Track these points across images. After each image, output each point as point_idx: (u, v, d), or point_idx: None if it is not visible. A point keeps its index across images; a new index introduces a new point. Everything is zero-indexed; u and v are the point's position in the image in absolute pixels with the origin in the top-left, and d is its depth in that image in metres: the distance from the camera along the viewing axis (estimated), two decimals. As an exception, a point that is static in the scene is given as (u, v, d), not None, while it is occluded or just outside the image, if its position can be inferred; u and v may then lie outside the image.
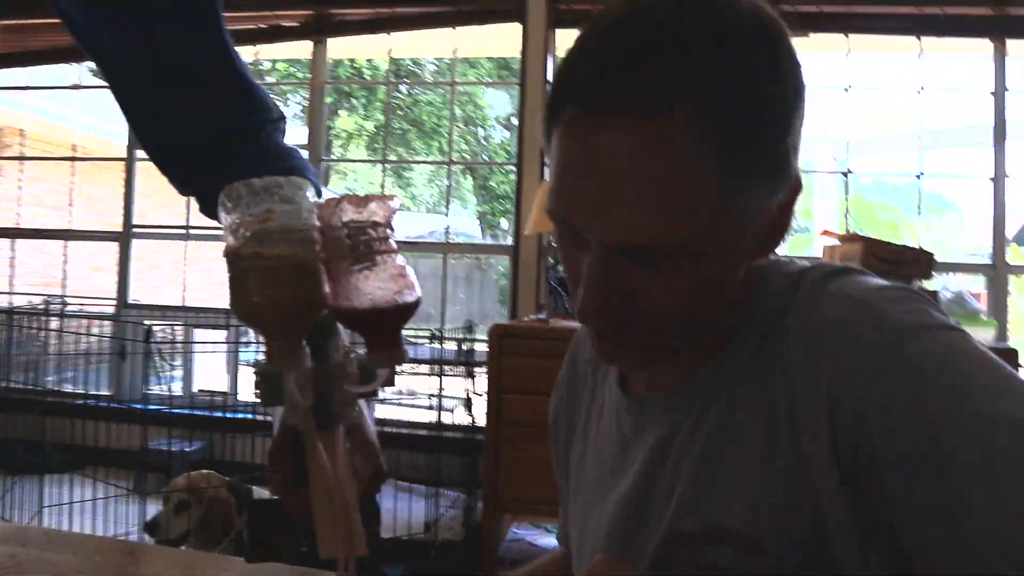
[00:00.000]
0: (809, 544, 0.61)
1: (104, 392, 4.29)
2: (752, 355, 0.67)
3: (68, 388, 4.32)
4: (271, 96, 0.87)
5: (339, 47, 4.45)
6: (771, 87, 0.60)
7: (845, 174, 3.69)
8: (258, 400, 0.68)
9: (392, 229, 0.67)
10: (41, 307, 4.28)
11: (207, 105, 0.84)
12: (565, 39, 3.89)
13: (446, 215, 4.32)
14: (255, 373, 0.67)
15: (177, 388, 4.13)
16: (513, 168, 3.90)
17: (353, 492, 0.67)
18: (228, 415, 3.62)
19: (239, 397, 4.06)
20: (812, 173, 5.28)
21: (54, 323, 4.03)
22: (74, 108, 4.71)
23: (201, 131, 0.84)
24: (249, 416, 3.66)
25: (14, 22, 4.55)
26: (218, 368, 4.30)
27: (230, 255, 0.63)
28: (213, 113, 0.84)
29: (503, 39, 4.02)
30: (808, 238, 6.54)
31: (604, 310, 0.63)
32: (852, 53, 3.59)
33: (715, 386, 0.69)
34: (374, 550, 0.76)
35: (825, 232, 2.82)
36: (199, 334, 4.27)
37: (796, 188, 0.65)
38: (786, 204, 0.65)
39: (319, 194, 0.79)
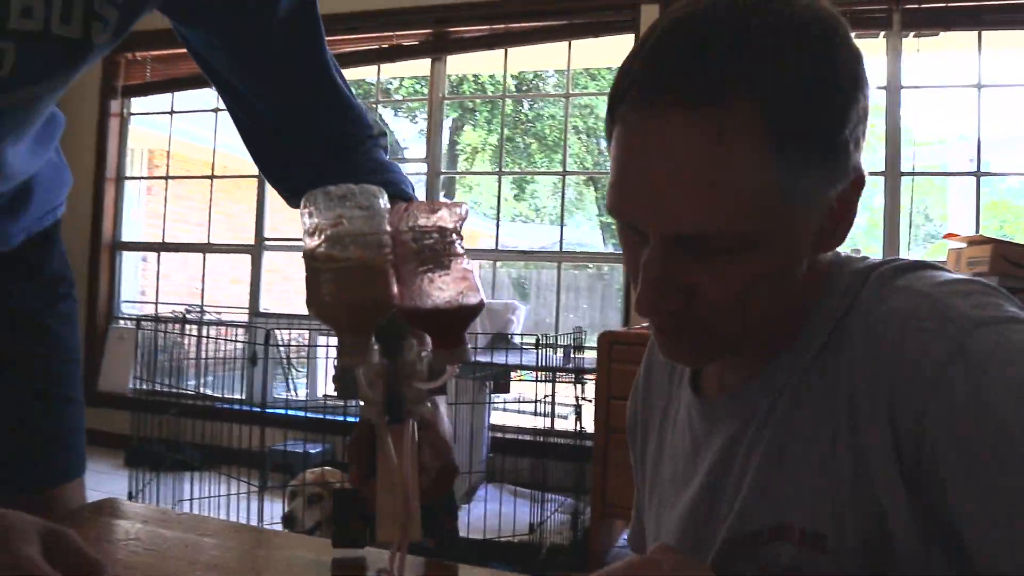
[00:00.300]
0: (871, 542, 0.61)
1: (237, 396, 4.56)
2: (817, 352, 0.67)
3: (207, 391, 4.61)
4: (372, 114, 0.94)
5: (458, 64, 4.58)
6: (827, 80, 0.60)
7: (977, 175, 3.50)
8: (335, 394, 0.72)
9: (459, 235, 0.70)
10: (182, 315, 4.60)
11: (312, 122, 0.91)
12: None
13: (561, 225, 4.36)
14: (334, 368, 0.72)
15: (303, 392, 4.33)
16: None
17: (415, 484, 0.71)
18: (348, 419, 3.78)
19: (358, 403, 4.22)
20: (947, 176, 5.02)
21: (194, 330, 4.31)
22: (213, 130, 5.05)
23: (306, 147, 0.92)
24: (368, 420, 3.79)
25: (161, 52, 4.94)
26: (341, 374, 4.49)
27: (306, 256, 0.68)
28: (317, 130, 0.91)
29: (618, 50, 4.04)
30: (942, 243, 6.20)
31: (662, 304, 0.64)
32: (984, 50, 3.40)
33: (780, 384, 0.69)
34: (453, 542, 0.80)
35: (948, 235, 2.68)
36: (323, 341, 4.47)
37: (858, 183, 0.64)
38: (847, 198, 0.65)
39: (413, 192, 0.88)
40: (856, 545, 0.62)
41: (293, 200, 0.93)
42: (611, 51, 4.12)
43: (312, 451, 3.77)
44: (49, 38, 0.75)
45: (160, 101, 5.19)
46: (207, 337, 4.27)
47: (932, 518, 0.58)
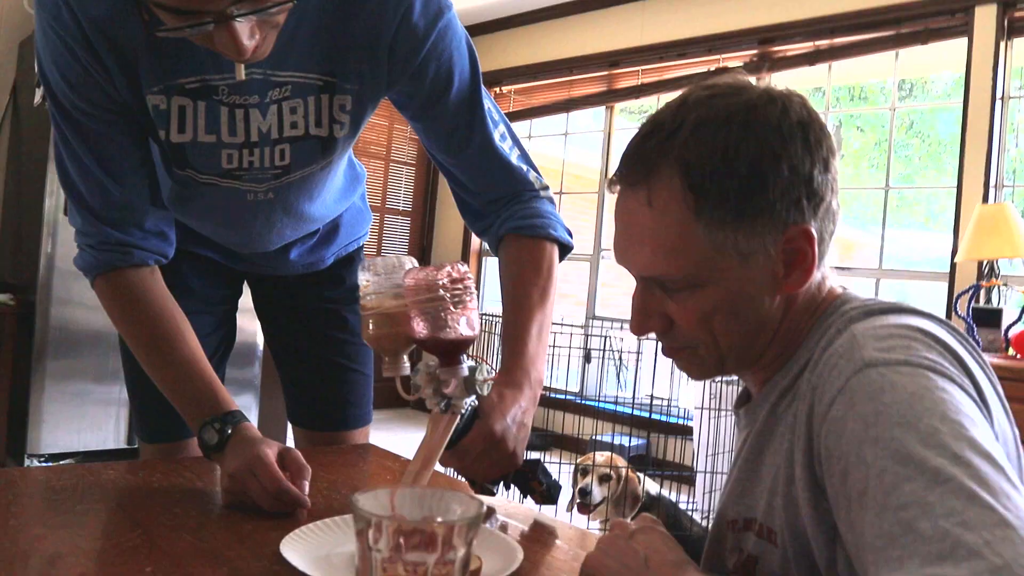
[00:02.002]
0: (799, 539, 0.73)
1: (574, 388, 5.12)
2: (797, 374, 0.79)
3: (549, 383, 5.26)
4: (537, 173, 1.25)
5: (783, 80, 4.67)
6: (738, 157, 0.74)
7: None
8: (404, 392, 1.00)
9: (459, 286, 0.93)
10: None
11: (479, 180, 1.23)
12: (1021, 48, 3.62)
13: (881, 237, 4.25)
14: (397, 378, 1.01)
15: (630, 391, 4.75)
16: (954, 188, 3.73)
17: (434, 456, 0.97)
18: (665, 418, 4.11)
19: (677, 402, 4.55)
20: None
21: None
22: (563, 151, 5.67)
23: (475, 197, 1.25)
24: (682, 421, 4.11)
25: (521, 86, 5.68)
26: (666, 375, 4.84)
27: (359, 307, 1.01)
28: (483, 186, 1.23)
29: (948, 56, 3.86)
30: None
31: (646, 326, 0.83)
32: None
33: (769, 401, 0.82)
34: (552, 498, 1.08)
35: None
36: (648, 345, 4.85)
37: (794, 236, 0.76)
38: (793, 248, 0.77)
39: (568, 238, 1.22)
40: (794, 542, 0.74)
41: (475, 231, 1.29)
42: (939, 58, 3.94)
43: (628, 444, 4.15)
44: (308, 138, 1.14)
45: (521, 127, 5.95)
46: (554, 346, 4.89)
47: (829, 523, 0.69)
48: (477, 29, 6.00)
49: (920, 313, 0.75)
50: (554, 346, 4.78)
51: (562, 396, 4.99)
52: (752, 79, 0.81)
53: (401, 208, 6.06)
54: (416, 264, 0.99)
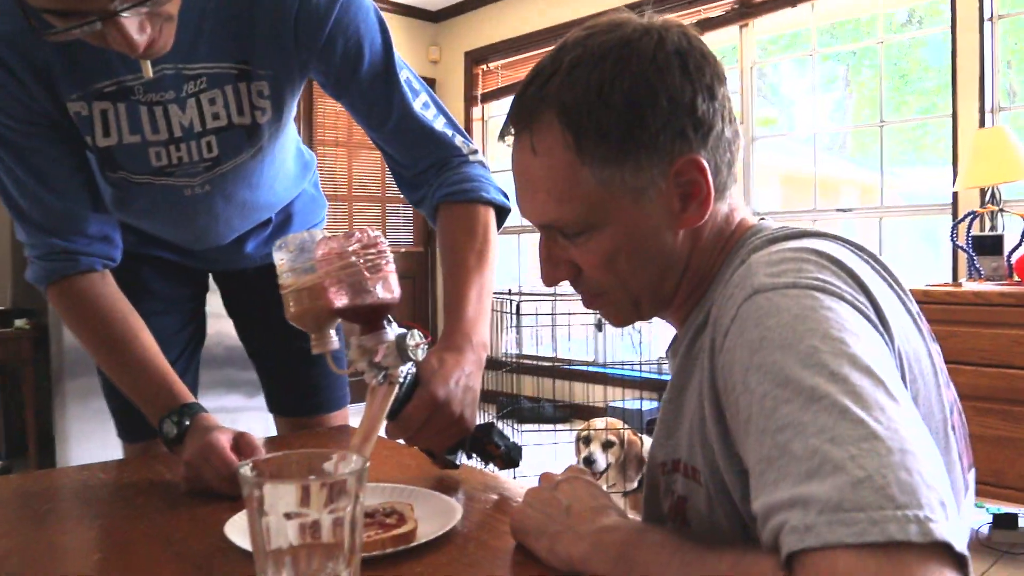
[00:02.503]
0: (717, 476, 0.72)
1: (586, 358, 5.12)
2: (708, 311, 0.76)
3: (563, 355, 5.27)
4: (464, 137, 1.25)
5: (765, 24, 4.60)
6: (613, 93, 0.73)
7: None
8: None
9: (371, 251, 0.90)
10: (539, 292, 5.29)
11: (406, 151, 1.23)
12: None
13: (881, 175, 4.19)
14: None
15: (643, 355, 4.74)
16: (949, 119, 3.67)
17: (375, 428, 0.94)
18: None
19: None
20: None
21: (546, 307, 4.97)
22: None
23: (406, 169, 1.25)
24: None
25: (507, 60, 5.65)
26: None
27: (278, 286, 0.97)
28: (416, 159, 1.23)
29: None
30: None
31: (555, 275, 0.82)
32: None
33: (686, 339, 0.81)
34: (513, 461, 1.05)
35: None
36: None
37: (683, 167, 0.75)
38: (684, 181, 0.75)
39: (504, 199, 1.19)
40: (713, 479, 0.72)
41: (412, 202, 1.29)
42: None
43: (643, 408, 4.14)
44: (232, 127, 1.15)
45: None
46: (562, 313, 4.89)
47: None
48: (455, 9, 5.98)
49: (824, 236, 0.73)
50: (569, 316, 4.81)
51: (576, 367, 5.00)
52: (633, 15, 0.79)
53: (402, 196, 6.09)
54: (324, 236, 0.97)
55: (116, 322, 1.16)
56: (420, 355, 0.95)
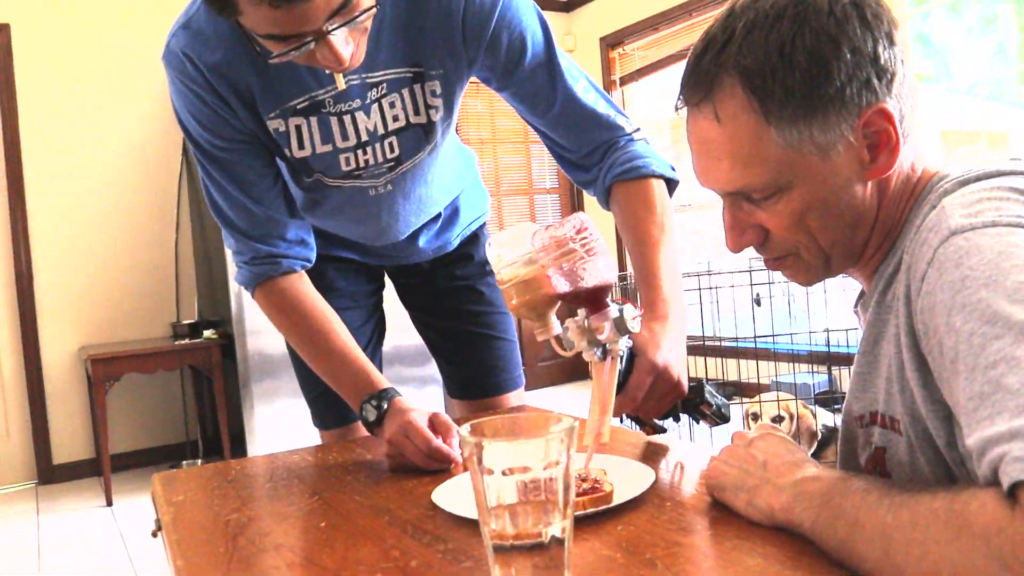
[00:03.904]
0: (919, 423, 0.72)
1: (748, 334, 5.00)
2: (898, 261, 0.76)
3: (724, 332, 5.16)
4: (625, 117, 1.28)
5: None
6: (794, 50, 0.72)
7: None
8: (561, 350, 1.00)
9: (585, 235, 0.92)
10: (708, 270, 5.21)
11: (572, 135, 1.27)
12: None
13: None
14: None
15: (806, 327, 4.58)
16: None
17: (610, 402, 0.96)
18: (846, 349, 3.94)
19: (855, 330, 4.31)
20: None
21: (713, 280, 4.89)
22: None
23: (573, 154, 1.29)
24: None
25: (644, 41, 5.59)
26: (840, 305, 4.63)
27: (497, 283, 1.02)
28: (577, 140, 1.27)
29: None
30: None
31: (742, 241, 0.82)
32: None
33: (877, 290, 0.80)
34: (723, 419, 1.08)
35: None
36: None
37: (871, 118, 0.74)
38: (873, 132, 0.75)
39: (672, 172, 1.22)
40: (914, 427, 0.72)
41: (579, 182, 1.33)
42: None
43: (817, 379, 4.00)
44: (410, 127, 1.24)
45: (650, 83, 5.87)
46: (715, 288, 4.80)
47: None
48: (590, -6, 5.97)
49: (1020, 173, 0.71)
50: (732, 289, 4.71)
51: (736, 344, 4.89)
52: None
53: (548, 187, 6.15)
54: (535, 228, 1.01)
55: (316, 317, 1.27)
56: (637, 327, 0.98)
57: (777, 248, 0.82)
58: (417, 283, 1.62)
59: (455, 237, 1.57)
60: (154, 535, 1.05)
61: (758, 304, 4.73)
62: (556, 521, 0.62)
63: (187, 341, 4.05)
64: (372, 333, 1.59)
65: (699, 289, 4.45)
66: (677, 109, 0.83)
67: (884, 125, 0.75)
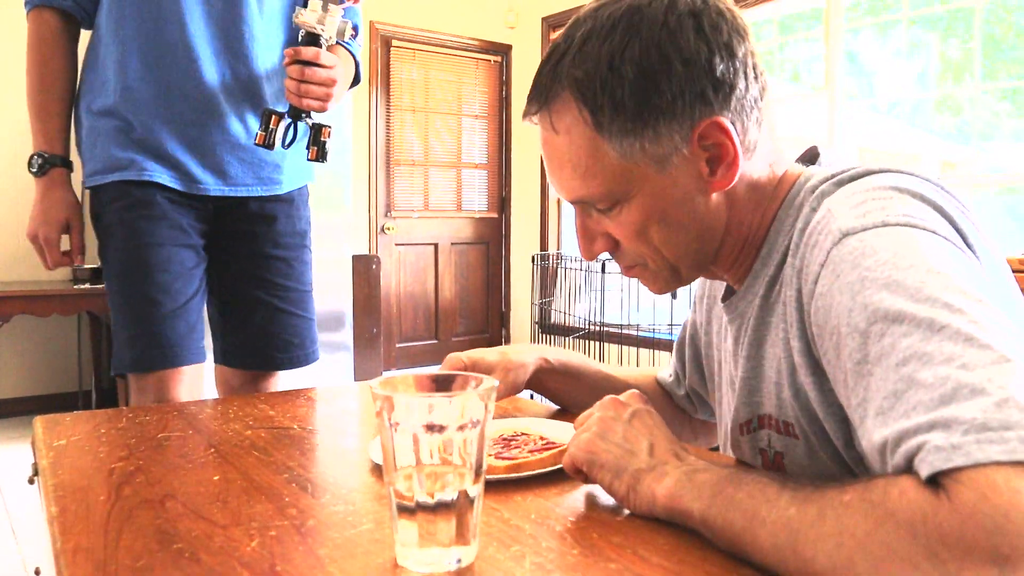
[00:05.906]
0: (816, 425, 0.71)
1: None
2: (779, 262, 0.76)
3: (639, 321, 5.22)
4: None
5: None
6: (623, 63, 0.72)
7: None
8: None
9: None
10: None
11: None
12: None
13: None
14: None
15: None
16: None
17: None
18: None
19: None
20: None
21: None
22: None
23: None
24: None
25: None
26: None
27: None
28: None
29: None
30: None
31: (593, 249, 0.82)
32: None
33: (757, 294, 0.79)
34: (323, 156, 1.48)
35: None
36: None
37: (706, 131, 0.73)
38: (709, 144, 0.74)
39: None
40: (812, 429, 0.72)
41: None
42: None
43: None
44: None
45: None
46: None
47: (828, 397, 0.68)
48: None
49: (892, 171, 0.72)
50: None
51: (653, 334, 4.96)
52: None
53: (476, 162, 6.09)
54: None
55: (60, 60, 1.53)
56: None
57: (626, 257, 0.82)
58: (236, 243, 1.64)
59: (284, 179, 1.63)
60: (30, 481, 0.97)
61: (674, 297, 4.81)
62: (467, 484, 0.60)
63: (87, 286, 3.85)
64: (200, 280, 1.60)
65: (623, 280, 4.51)
66: (524, 117, 0.81)
67: (721, 138, 0.74)
